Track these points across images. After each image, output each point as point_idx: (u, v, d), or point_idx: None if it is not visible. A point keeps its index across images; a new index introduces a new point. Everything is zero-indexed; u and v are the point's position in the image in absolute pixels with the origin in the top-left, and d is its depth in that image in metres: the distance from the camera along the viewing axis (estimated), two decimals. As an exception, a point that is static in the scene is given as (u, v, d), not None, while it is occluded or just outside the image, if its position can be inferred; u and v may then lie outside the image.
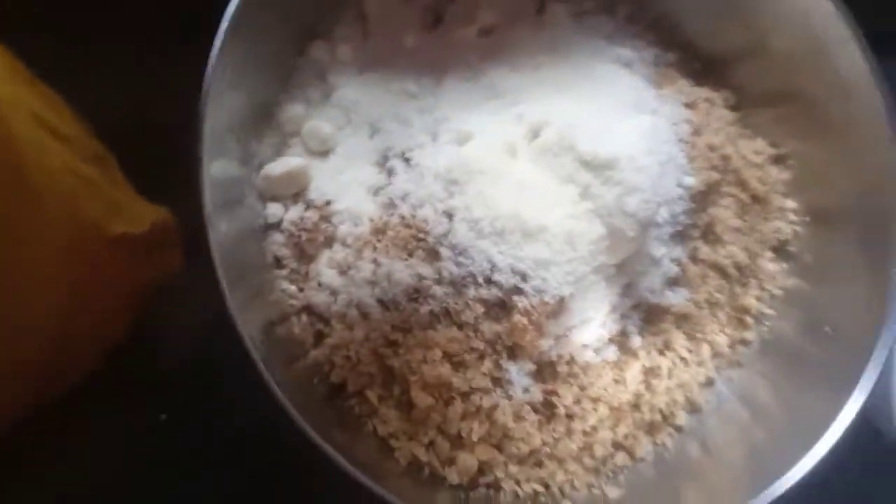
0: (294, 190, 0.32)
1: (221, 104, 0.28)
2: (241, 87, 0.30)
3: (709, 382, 0.34)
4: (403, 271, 0.30)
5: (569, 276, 0.29)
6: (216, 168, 0.28)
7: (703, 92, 0.34)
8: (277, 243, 0.31)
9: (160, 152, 0.35)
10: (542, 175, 0.29)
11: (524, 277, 0.28)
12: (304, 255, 0.31)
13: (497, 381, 0.30)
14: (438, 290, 0.29)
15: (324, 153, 0.32)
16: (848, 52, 0.31)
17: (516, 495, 0.30)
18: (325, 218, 0.31)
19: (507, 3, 0.34)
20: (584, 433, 0.31)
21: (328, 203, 0.31)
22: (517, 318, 0.28)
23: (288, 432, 0.26)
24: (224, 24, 0.28)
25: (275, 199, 0.31)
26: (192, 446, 0.35)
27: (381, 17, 0.33)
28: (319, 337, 0.31)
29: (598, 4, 0.36)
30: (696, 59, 0.37)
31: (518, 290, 0.28)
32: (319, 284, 0.31)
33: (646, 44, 0.36)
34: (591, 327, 0.30)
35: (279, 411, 0.26)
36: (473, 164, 0.29)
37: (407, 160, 0.31)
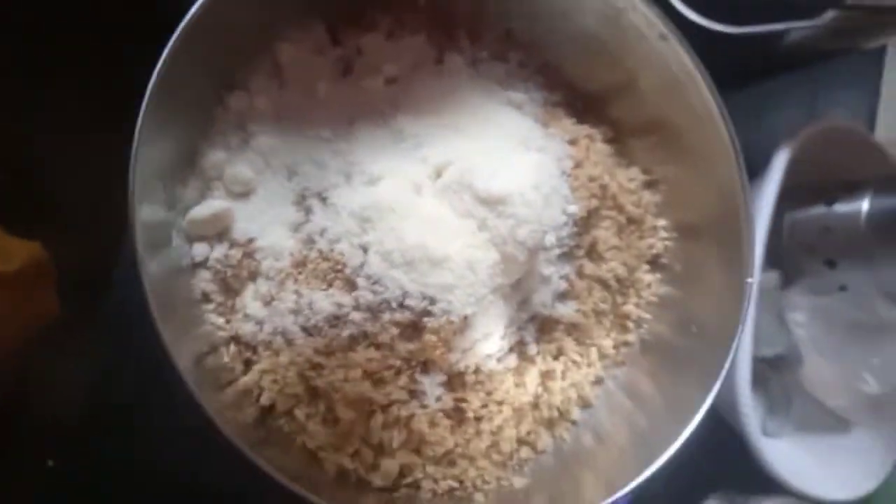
0: (218, 230, 0.34)
1: (148, 154, 0.31)
2: (166, 137, 0.32)
3: (598, 380, 0.39)
4: (323, 300, 0.33)
5: (471, 298, 0.32)
6: (145, 212, 0.31)
7: (584, 129, 0.39)
8: (205, 280, 0.34)
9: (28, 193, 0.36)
10: (445, 210, 0.33)
11: (432, 301, 0.32)
12: (230, 289, 0.34)
13: (413, 393, 0.33)
14: (356, 316, 0.33)
15: (245, 195, 0.35)
16: (698, 88, 0.36)
17: (434, 492, 0.33)
18: (249, 254, 0.34)
19: (409, 55, 0.38)
20: (492, 433, 0.35)
21: (251, 241, 0.34)
22: (428, 337, 0.32)
23: (215, 459, 0.29)
24: (153, 81, 0.30)
25: (201, 239, 0.34)
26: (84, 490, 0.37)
27: (294, 68, 0.36)
28: (248, 364, 0.34)
29: (492, 53, 0.40)
30: (578, 99, 0.41)
31: (427, 312, 0.32)
32: (246, 316, 0.34)
33: (535, 86, 0.40)
34: (493, 339, 0.34)
35: (208, 441, 0.28)
36: (384, 202, 0.33)
37: (323, 199, 0.35)
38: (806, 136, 0.44)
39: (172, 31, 0.31)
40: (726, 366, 0.34)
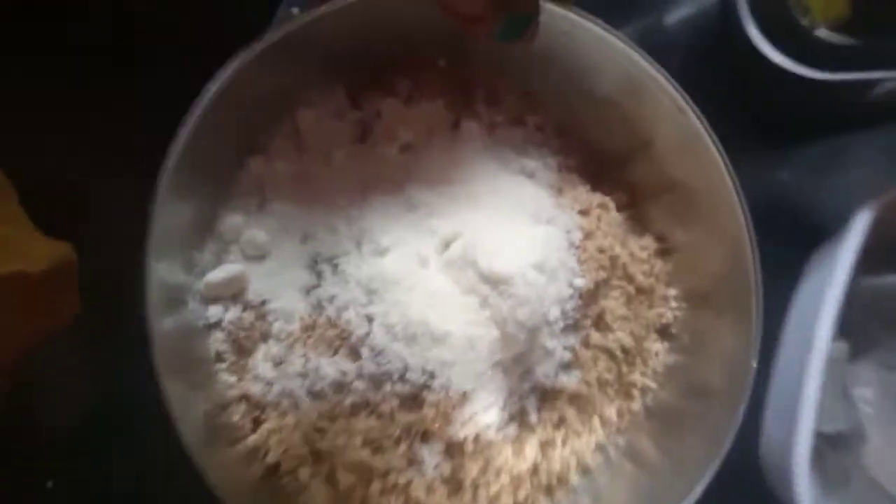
0: (233, 292, 0.36)
1: (167, 220, 0.33)
2: (186, 202, 0.34)
3: (600, 447, 0.39)
4: (329, 367, 0.34)
5: (470, 374, 0.33)
6: (161, 275, 0.32)
7: (597, 198, 0.39)
8: (218, 340, 0.35)
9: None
10: (449, 285, 0.34)
11: (432, 376, 0.33)
12: (243, 350, 0.36)
13: (411, 461, 0.34)
14: (359, 385, 0.34)
15: (260, 258, 0.36)
16: (709, 151, 0.36)
17: (429, 556, 0.35)
18: (261, 316, 0.36)
19: (425, 121, 0.38)
20: (488, 499, 0.36)
21: (264, 303, 0.36)
22: (427, 410, 0.33)
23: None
24: (176, 147, 0.32)
25: (216, 301, 0.36)
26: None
27: (313, 134, 0.37)
28: (256, 422, 0.35)
29: (510, 117, 0.40)
30: (594, 162, 0.42)
31: (427, 387, 0.33)
32: (256, 376, 0.35)
33: (550, 151, 0.40)
34: (492, 411, 0.35)
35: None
36: (390, 275, 0.34)
37: (334, 266, 0.36)
38: (892, 197, 0.40)
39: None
40: (733, 429, 0.34)
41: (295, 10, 0.42)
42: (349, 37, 0.36)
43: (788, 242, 0.42)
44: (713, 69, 0.49)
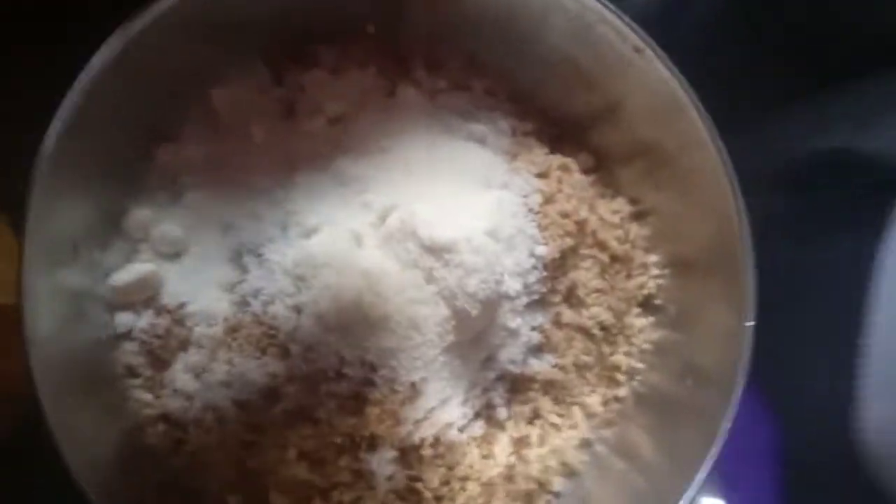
0: (145, 296, 0.31)
1: (54, 213, 0.28)
2: (77, 193, 0.30)
3: (584, 444, 0.34)
4: (256, 371, 0.30)
5: (417, 362, 0.29)
6: (51, 281, 0.28)
7: (556, 159, 0.35)
8: (130, 352, 0.31)
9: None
10: (388, 262, 0.30)
11: (373, 367, 0.29)
12: (159, 361, 0.31)
13: (358, 474, 0.29)
14: (290, 388, 0.29)
15: (175, 255, 0.32)
16: (682, 108, 0.32)
17: (389, 588, 0.29)
18: (179, 321, 0.31)
19: (356, 90, 0.35)
20: (457, 514, 0.31)
21: (181, 306, 0.31)
22: (370, 409, 0.28)
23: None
24: (54, 131, 0.28)
25: (125, 307, 0.31)
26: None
27: (231, 113, 0.33)
28: (178, 444, 0.30)
29: (454, 82, 0.37)
30: (554, 126, 0.38)
31: (369, 382, 0.29)
32: (175, 391, 0.30)
33: (503, 115, 0.37)
34: (452, 406, 0.31)
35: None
36: (319, 257, 0.29)
37: (259, 256, 0.31)
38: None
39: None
40: (729, 415, 0.30)
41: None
42: (265, 4, 0.33)
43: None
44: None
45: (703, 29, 0.45)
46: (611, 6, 0.33)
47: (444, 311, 0.29)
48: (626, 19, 0.33)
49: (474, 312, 0.29)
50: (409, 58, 0.37)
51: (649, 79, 0.33)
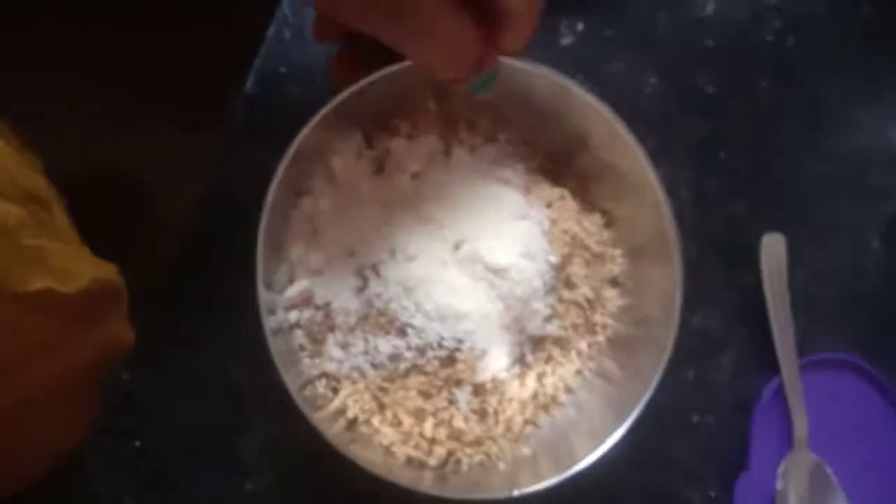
0: (304, 299, 0.49)
1: (265, 253, 0.45)
2: (271, 239, 0.46)
3: (578, 372, 0.54)
4: (385, 344, 0.47)
5: (486, 337, 0.47)
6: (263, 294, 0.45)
7: (557, 192, 0.52)
8: (299, 336, 0.48)
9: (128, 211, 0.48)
10: (464, 278, 0.47)
11: (460, 342, 0.46)
12: (317, 340, 0.49)
13: (451, 402, 0.48)
14: (409, 354, 0.47)
15: (319, 272, 0.49)
16: (627, 141, 0.47)
17: (470, 465, 0.49)
18: (328, 315, 0.49)
19: (425, 152, 0.51)
20: (505, 420, 0.50)
21: (327, 304, 0.49)
22: (459, 365, 0.47)
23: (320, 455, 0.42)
24: (269, 199, 0.44)
25: (293, 308, 0.49)
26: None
27: (343, 173, 0.50)
28: (335, 391, 0.49)
29: (486, 137, 0.52)
30: (550, 160, 0.55)
31: (458, 349, 0.47)
32: (330, 358, 0.48)
33: (519, 159, 0.52)
34: (503, 360, 0.49)
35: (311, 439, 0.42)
36: (420, 275, 0.47)
37: (376, 271, 0.49)
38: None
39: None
40: (671, 338, 0.45)
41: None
42: (371, 98, 0.47)
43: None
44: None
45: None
46: (575, 82, 0.48)
47: (500, 306, 0.47)
48: (584, 89, 0.48)
49: (517, 307, 0.48)
50: (456, 123, 0.53)
51: (603, 120, 0.48)
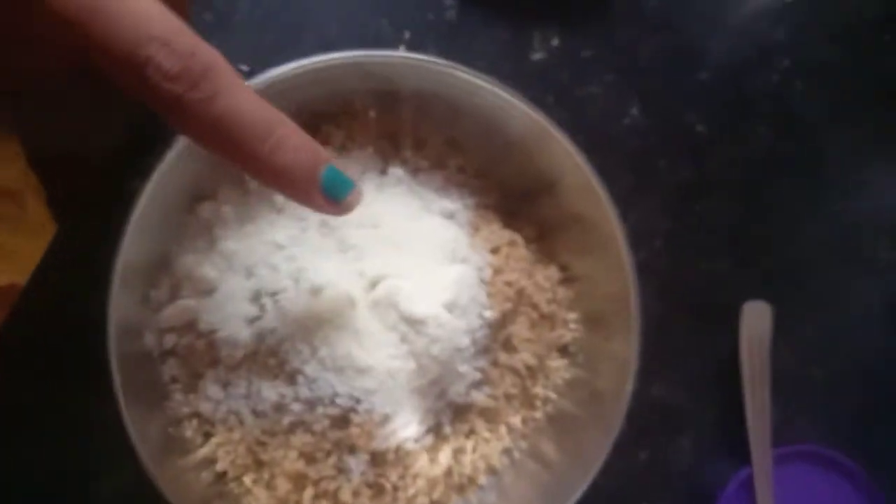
0: (185, 322, 0.41)
1: (130, 260, 0.37)
2: (147, 242, 0.39)
3: (506, 451, 0.46)
4: (269, 390, 0.39)
5: (390, 399, 0.39)
6: (121, 309, 0.37)
7: (507, 236, 0.44)
8: (173, 365, 0.41)
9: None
10: (374, 323, 0.40)
11: (357, 401, 0.39)
12: (194, 373, 0.41)
13: (340, 470, 0.40)
14: (296, 406, 0.39)
15: (209, 292, 0.41)
16: (597, 191, 0.42)
17: (355, 546, 0.41)
18: (211, 344, 0.41)
19: (357, 167, 0.43)
20: (406, 499, 0.42)
21: (212, 332, 0.41)
22: (353, 429, 0.39)
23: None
24: (147, 191, 0.37)
25: (169, 331, 0.41)
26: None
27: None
28: (207, 436, 0.41)
29: (434, 161, 0.45)
30: (509, 199, 0.47)
31: (354, 410, 0.39)
32: (206, 397, 0.41)
33: (470, 192, 0.45)
34: (411, 427, 0.41)
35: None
36: (322, 313, 0.39)
37: (276, 300, 0.41)
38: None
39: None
40: (619, 421, 0.41)
41: (244, 68, 0.46)
42: (294, 95, 0.41)
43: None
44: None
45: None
46: (552, 122, 0.42)
47: (412, 364, 0.39)
48: (564, 133, 0.42)
49: (433, 368, 0.40)
50: (400, 139, 0.46)
51: (577, 168, 0.42)
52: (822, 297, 0.55)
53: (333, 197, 0.31)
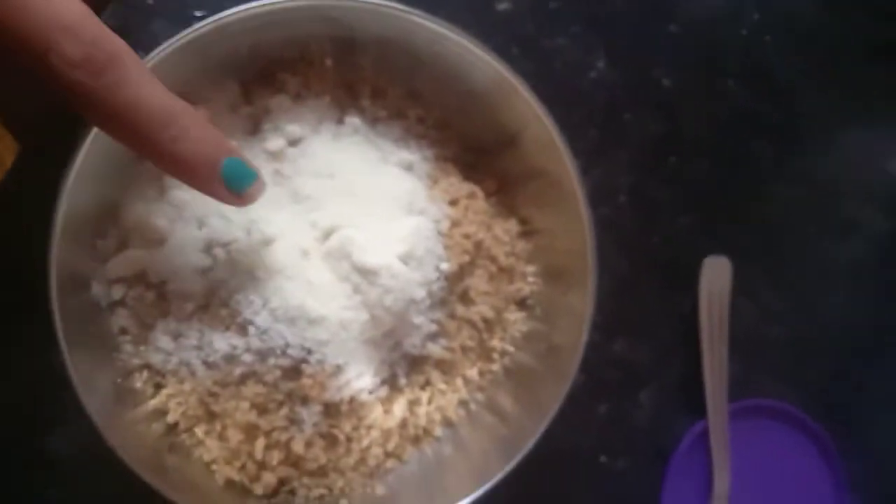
0: (135, 273, 0.40)
1: (75, 207, 0.36)
2: (91, 189, 0.38)
3: (462, 403, 0.46)
4: (221, 341, 0.39)
5: (342, 350, 0.39)
6: (66, 259, 0.36)
7: (466, 188, 0.44)
8: (122, 316, 0.40)
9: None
10: (326, 274, 0.39)
11: (309, 352, 0.38)
12: (144, 325, 0.40)
13: (292, 421, 0.40)
14: (247, 357, 0.39)
15: (160, 242, 0.40)
16: (558, 147, 0.41)
17: (307, 498, 0.41)
18: (161, 296, 0.40)
19: (312, 116, 0.42)
20: (360, 450, 0.42)
21: (163, 283, 0.40)
22: (305, 380, 0.39)
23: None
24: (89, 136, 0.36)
25: (118, 281, 0.40)
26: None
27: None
28: (157, 387, 0.41)
29: (393, 111, 0.44)
30: (469, 152, 0.47)
31: (305, 361, 0.39)
32: (157, 348, 0.40)
33: (429, 143, 0.44)
34: (364, 378, 0.41)
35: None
36: (274, 264, 0.38)
37: (227, 251, 0.40)
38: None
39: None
40: (573, 371, 0.41)
41: (198, 14, 0.44)
42: (247, 39, 0.39)
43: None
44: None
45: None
46: (519, 77, 0.41)
47: (364, 315, 0.39)
48: (529, 88, 0.41)
49: (387, 319, 0.39)
50: (358, 88, 0.45)
51: (541, 123, 0.41)
52: (788, 256, 0.55)
53: (234, 188, 0.32)
